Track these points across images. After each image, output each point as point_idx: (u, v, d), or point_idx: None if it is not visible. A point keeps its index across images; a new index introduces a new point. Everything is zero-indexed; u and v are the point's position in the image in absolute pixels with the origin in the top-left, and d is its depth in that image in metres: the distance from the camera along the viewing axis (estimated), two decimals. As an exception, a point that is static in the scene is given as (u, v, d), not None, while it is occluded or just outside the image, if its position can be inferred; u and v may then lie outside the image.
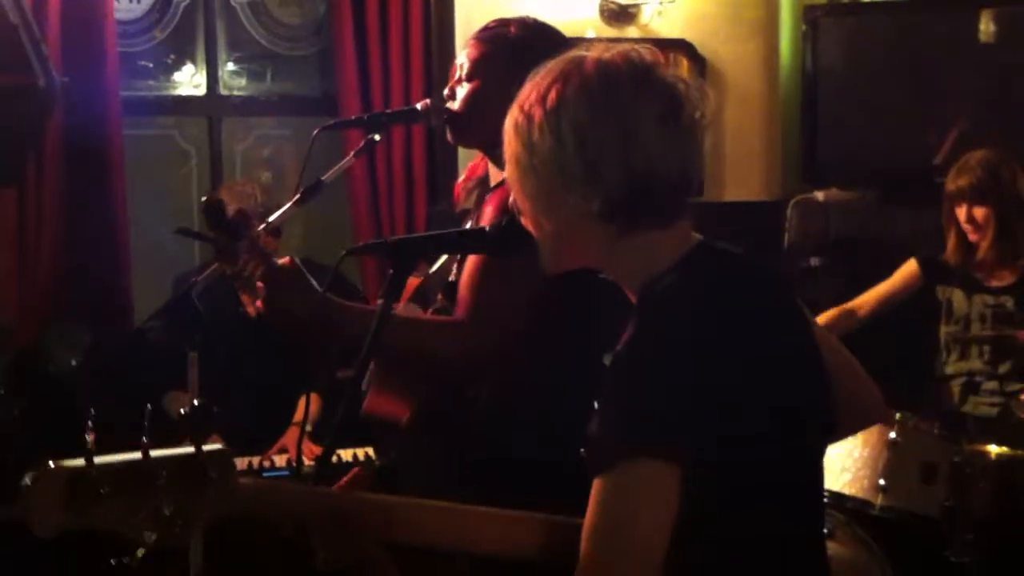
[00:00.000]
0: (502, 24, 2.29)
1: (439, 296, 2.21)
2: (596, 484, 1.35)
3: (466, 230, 2.12)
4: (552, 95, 1.46)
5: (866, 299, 3.82)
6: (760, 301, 1.52)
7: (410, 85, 4.37)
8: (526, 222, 1.54)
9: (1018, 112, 4.44)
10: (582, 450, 1.38)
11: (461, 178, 2.44)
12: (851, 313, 3.77)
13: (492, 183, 2.27)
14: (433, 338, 2.05)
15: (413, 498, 1.56)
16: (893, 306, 3.81)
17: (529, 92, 1.50)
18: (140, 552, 1.35)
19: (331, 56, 4.50)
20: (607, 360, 1.41)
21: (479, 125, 2.21)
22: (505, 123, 1.52)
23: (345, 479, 1.59)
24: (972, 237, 3.63)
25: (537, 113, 1.46)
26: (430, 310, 2.20)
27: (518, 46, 2.21)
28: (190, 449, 1.34)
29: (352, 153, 2.48)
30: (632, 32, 4.66)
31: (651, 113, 1.44)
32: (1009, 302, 3.64)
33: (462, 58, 2.26)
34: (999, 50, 4.54)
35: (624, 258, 1.49)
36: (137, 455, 1.29)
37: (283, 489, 1.55)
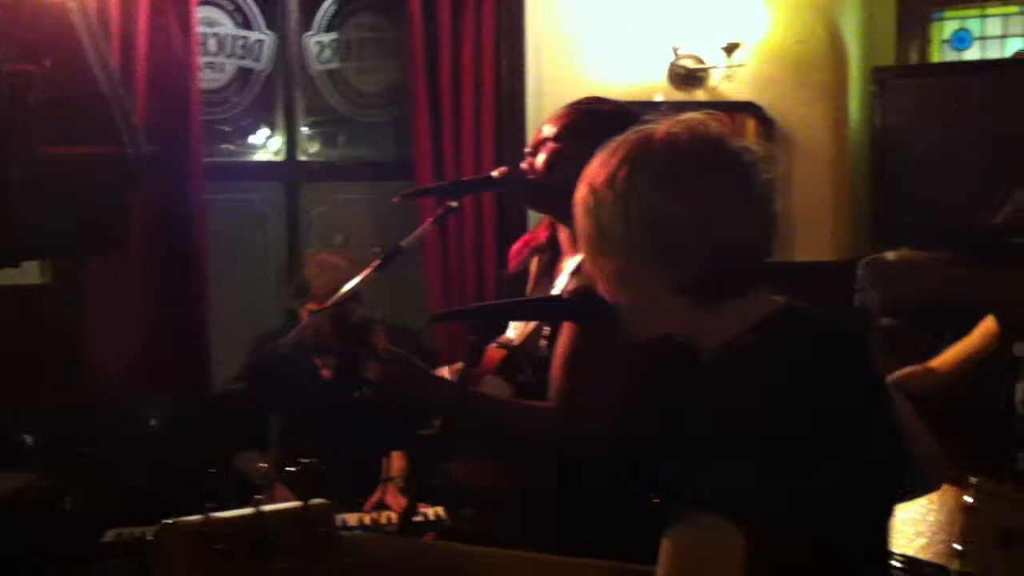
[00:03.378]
0: (599, 100, 2.32)
1: (529, 371, 2.20)
2: (664, 539, 1.35)
3: (543, 297, 2.15)
4: (620, 176, 1.45)
5: (946, 358, 3.77)
6: (839, 361, 1.49)
7: (481, 153, 4.44)
8: (603, 291, 1.54)
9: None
10: (654, 499, 1.38)
11: (518, 244, 2.47)
12: (931, 371, 3.72)
13: (564, 248, 2.29)
14: (521, 422, 2.04)
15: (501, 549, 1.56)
16: (973, 365, 3.75)
17: (598, 171, 1.49)
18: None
19: (404, 123, 4.59)
20: (664, 401, 1.42)
21: (557, 190, 2.24)
22: (575, 199, 1.52)
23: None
24: None
25: (607, 196, 1.46)
26: (517, 381, 2.20)
27: (609, 122, 2.23)
28: (297, 504, 1.37)
29: (431, 220, 2.53)
30: (700, 95, 4.70)
31: (720, 188, 1.43)
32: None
33: (550, 126, 2.26)
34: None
35: (703, 325, 1.49)
36: (249, 511, 1.31)
37: (385, 543, 1.56)
